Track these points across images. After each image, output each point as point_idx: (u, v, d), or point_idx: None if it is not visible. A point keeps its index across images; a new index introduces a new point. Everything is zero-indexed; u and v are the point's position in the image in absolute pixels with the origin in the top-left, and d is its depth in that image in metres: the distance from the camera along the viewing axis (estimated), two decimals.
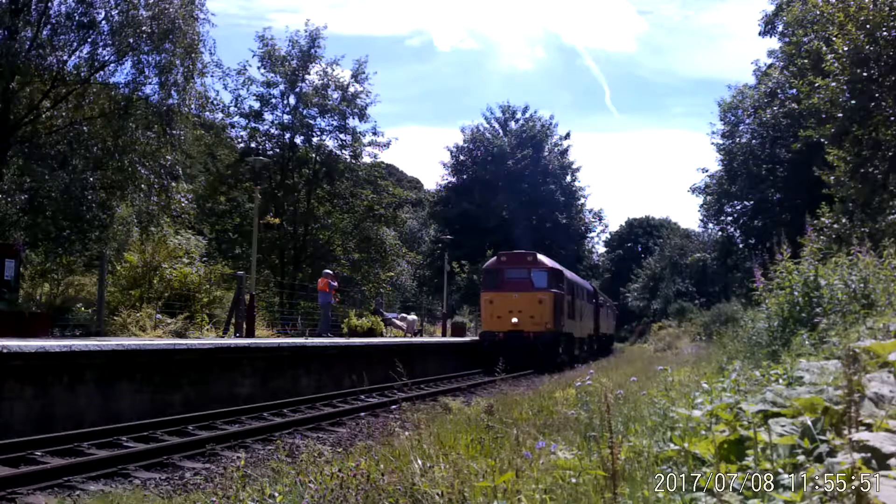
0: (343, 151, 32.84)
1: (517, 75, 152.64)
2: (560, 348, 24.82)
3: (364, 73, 32.25)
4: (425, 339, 27.81)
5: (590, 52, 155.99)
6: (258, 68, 31.20)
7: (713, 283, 48.89)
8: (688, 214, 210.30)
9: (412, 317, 29.47)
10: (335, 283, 21.48)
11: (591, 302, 34.19)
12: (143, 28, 17.21)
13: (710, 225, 40.94)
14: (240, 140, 32.74)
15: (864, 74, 14.53)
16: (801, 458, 2.40)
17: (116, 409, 10.80)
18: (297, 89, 31.46)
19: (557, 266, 26.20)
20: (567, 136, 55.45)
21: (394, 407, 11.54)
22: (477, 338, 26.18)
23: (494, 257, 26.16)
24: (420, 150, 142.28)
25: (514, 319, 23.39)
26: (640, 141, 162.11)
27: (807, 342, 5.90)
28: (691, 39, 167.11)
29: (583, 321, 30.47)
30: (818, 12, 16.92)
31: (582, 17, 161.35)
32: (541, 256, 25.42)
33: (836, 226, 15.46)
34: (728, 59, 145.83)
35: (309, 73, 31.72)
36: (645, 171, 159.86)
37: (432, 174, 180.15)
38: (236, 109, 31.26)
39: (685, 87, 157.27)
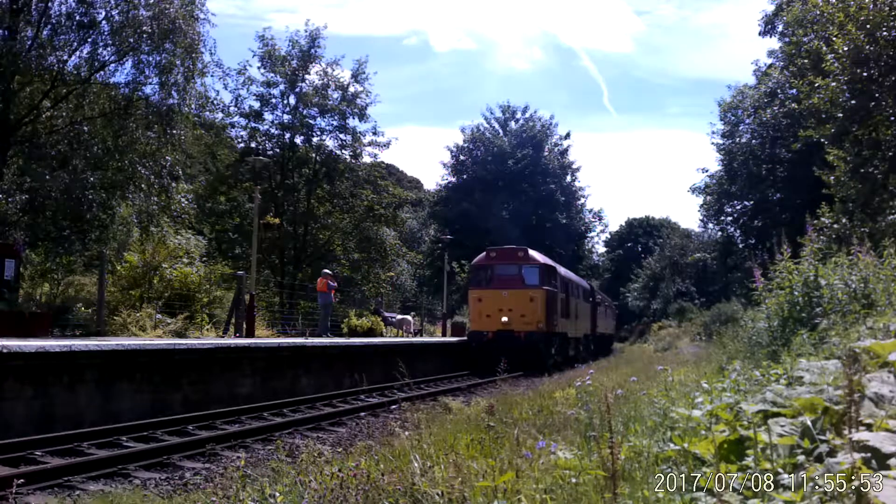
0: (343, 151, 32.89)
1: (515, 75, 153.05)
2: (553, 349, 23.70)
3: (364, 73, 32.34)
4: (424, 339, 27.79)
5: (587, 52, 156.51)
6: (258, 68, 31.28)
7: (713, 283, 48.90)
8: (688, 214, 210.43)
9: (402, 316, 29.26)
10: (334, 284, 21.47)
11: (587, 300, 33.18)
12: (144, 28, 17.22)
13: (710, 225, 40.94)
14: (240, 140, 32.78)
15: (864, 74, 14.51)
16: (801, 458, 2.40)
17: (116, 409, 10.80)
18: (297, 89, 31.49)
19: (550, 262, 24.97)
20: (567, 135, 55.55)
21: (394, 407, 11.55)
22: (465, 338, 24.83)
23: (483, 253, 24.69)
24: (419, 150, 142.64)
25: (504, 318, 22.29)
26: (639, 141, 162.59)
27: (807, 342, 5.89)
28: (688, 40, 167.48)
29: (578, 320, 29.30)
30: (818, 12, 16.90)
31: (579, 18, 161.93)
32: (532, 252, 23.96)
33: (836, 226, 15.44)
34: (726, 59, 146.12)
35: (309, 73, 31.80)
36: (644, 171, 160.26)
37: (432, 174, 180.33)
38: (236, 109, 31.34)
39: (683, 87, 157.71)
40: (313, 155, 32.59)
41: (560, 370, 20.08)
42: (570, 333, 27.14)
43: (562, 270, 26.84)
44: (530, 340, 21.96)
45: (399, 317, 28.73)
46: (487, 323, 22.71)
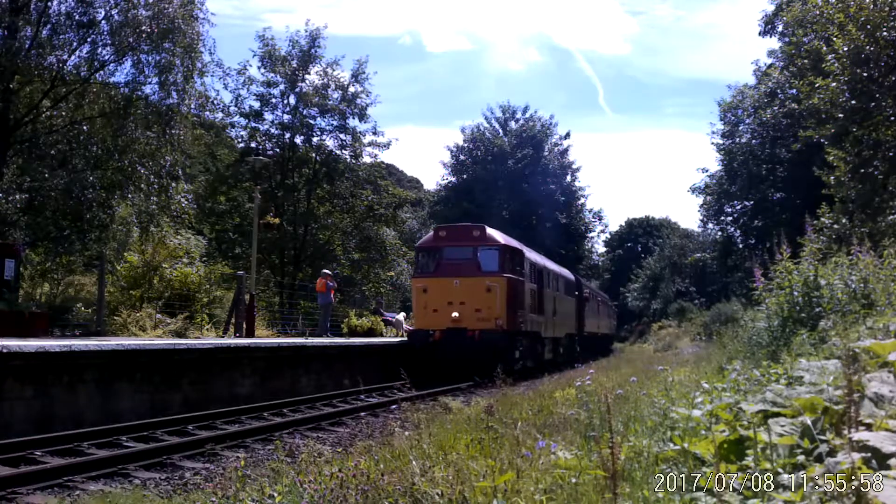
0: (343, 151, 32.87)
1: (511, 76, 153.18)
2: (517, 352, 19.30)
3: (364, 73, 32.29)
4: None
5: (582, 53, 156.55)
6: (258, 68, 31.28)
7: (713, 283, 48.92)
8: (688, 214, 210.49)
9: (396, 317, 29.00)
10: (333, 284, 21.44)
11: (571, 294, 28.66)
12: (143, 28, 17.21)
13: (710, 225, 40.91)
14: (240, 140, 32.77)
15: (864, 74, 14.53)
16: (801, 458, 2.40)
17: (116, 409, 10.80)
18: (298, 89, 31.47)
19: (514, 243, 20.10)
20: (567, 135, 55.54)
21: (394, 407, 11.56)
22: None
23: (431, 232, 20.54)
24: (417, 150, 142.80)
25: (455, 314, 18.03)
26: (636, 141, 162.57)
27: (807, 342, 5.90)
28: (684, 40, 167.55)
29: (557, 317, 24.77)
30: (818, 12, 16.91)
31: (573, 19, 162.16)
32: (491, 231, 19.31)
33: (836, 226, 15.48)
34: (722, 59, 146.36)
35: (309, 73, 31.77)
36: (642, 171, 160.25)
37: (431, 174, 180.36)
38: (236, 109, 31.29)
39: (679, 87, 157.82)
40: (313, 155, 32.58)
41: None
42: (545, 333, 22.86)
43: (532, 255, 22.19)
44: (486, 341, 17.73)
45: (395, 317, 28.54)
46: (434, 319, 18.40)
